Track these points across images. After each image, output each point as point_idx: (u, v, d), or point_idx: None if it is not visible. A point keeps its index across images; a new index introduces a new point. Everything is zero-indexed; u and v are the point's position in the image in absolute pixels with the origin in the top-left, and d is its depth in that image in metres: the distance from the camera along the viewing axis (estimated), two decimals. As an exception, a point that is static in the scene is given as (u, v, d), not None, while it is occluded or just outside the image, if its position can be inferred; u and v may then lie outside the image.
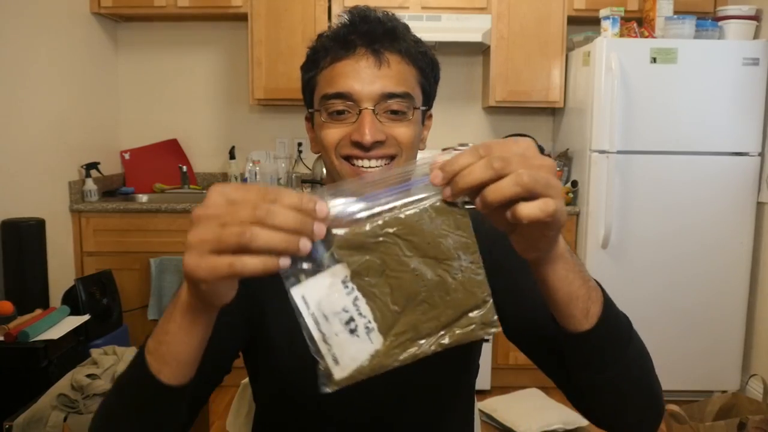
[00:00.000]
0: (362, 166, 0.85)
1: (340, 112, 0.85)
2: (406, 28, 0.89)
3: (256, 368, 0.94)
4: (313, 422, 0.91)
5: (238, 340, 0.86)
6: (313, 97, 0.90)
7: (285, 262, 0.51)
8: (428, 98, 0.92)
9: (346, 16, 0.88)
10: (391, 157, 0.86)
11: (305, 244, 0.51)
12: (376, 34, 0.85)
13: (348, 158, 0.85)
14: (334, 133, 0.85)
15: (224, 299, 0.56)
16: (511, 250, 0.83)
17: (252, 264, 0.50)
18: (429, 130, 0.96)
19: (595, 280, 0.68)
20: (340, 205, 0.54)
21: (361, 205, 0.55)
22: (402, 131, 0.85)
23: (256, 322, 0.86)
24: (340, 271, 0.54)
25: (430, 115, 0.95)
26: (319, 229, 0.51)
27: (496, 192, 0.52)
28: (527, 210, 0.53)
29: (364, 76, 0.84)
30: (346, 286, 0.55)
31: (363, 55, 0.85)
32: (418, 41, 0.90)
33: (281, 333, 0.87)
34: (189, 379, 0.62)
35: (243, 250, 0.49)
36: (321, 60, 0.88)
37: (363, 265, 0.54)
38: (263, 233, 0.49)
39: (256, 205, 0.50)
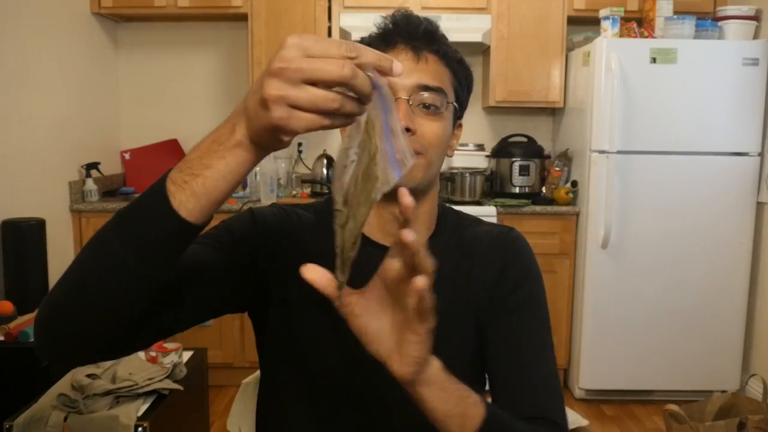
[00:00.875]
0: None
1: None
2: (444, 36, 0.92)
3: (267, 328, 0.95)
4: (325, 409, 0.91)
5: (250, 273, 0.88)
6: None
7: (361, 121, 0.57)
8: (461, 105, 0.94)
9: (389, 18, 0.91)
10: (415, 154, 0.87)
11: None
12: (416, 33, 0.89)
13: None
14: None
15: (284, 146, 0.59)
16: (530, 299, 0.92)
17: (336, 123, 0.55)
18: (458, 139, 0.98)
19: (484, 400, 0.72)
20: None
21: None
22: (432, 128, 0.87)
23: (269, 265, 0.89)
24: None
25: (460, 125, 0.97)
26: (399, 68, 0.57)
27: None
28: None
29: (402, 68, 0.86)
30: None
31: (402, 50, 0.88)
32: (456, 50, 0.93)
33: (298, 284, 0.89)
34: (205, 222, 0.62)
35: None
36: None
37: (367, 127, 0.58)
38: (355, 109, 0.55)
39: (343, 65, 0.52)
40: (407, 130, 0.84)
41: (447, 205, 1.02)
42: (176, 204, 0.60)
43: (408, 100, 0.85)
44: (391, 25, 0.90)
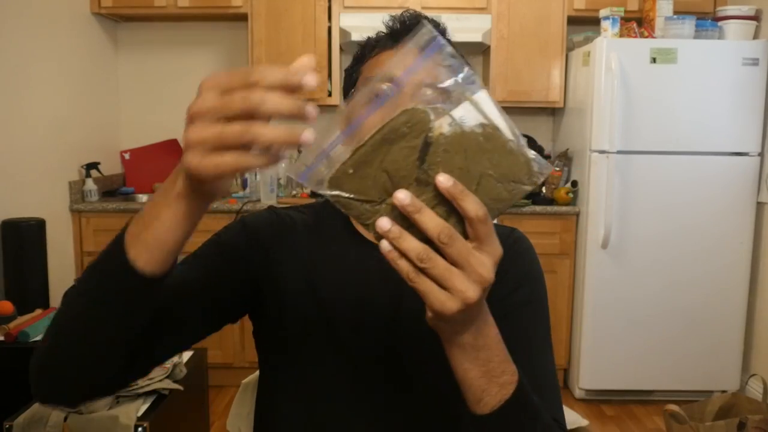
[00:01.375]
0: None
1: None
2: (449, 39, 0.93)
3: (265, 325, 0.95)
4: (320, 411, 0.91)
5: (242, 283, 0.88)
6: (355, 88, 0.92)
7: (284, 159, 0.52)
8: None
9: (397, 17, 0.92)
10: None
11: (307, 137, 0.51)
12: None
13: None
14: (373, 119, 0.86)
15: (224, 192, 0.58)
16: (532, 297, 0.90)
17: (256, 162, 0.50)
18: None
19: (520, 382, 0.67)
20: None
21: None
22: None
23: (262, 272, 0.89)
24: None
25: None
26: (310, 112, 0.51)
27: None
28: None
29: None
30: None
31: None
32: (461, 54, 0.93)
33: (292, 287, 0.89)
34: (165, 272, 0.61)
35: (246, 148, 0.50)
36: (367, 54, 0.92)
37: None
38: (265, 132, 0.49)
39: (246, 97, 0.49)
40: None
41: None
42: (132, 256, 0.59)
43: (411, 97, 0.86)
44: (398, 24, 0.91)
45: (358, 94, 0.61)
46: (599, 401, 3.08)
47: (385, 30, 0.93)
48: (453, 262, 0.54)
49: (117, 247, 0.61)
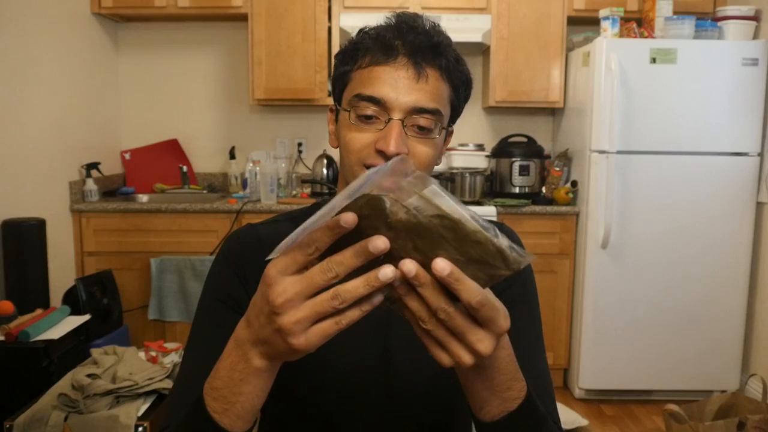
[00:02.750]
0: None
1: (368, 117, 0.84)
2: (449, 44, 0.88)
3: None
4: (319, 423, 0.91)
5: None
6: (344, 92, 0.89)
7: (379, 299, 0.55)
8: (455, 115, 0.92)
9: (393, 20, 0.87)
10: None
11: (385, 274, 0.53)
12: (421, 46, 0.84)
13: (369, 167, 0.83)
14: (359, 139, 0.84)
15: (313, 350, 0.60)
16: (522, 296, 0.90)
17: (353, 315, 0.54)
18: (448, 144, 0.96)
19: (528, 399, 0.68)
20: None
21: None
22: (424, 150, 0.85)
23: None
24: None
25: (452, 132, 0.95)
26: (377, 246, 0.52)
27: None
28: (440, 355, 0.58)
29: (401, 86, 0.83)
30: None
31: (403, 65, 0.84)
32: (458, 59, 0.89)
33: None
34: (254, 421, 0.67)
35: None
36: (360, 58, 0.87)
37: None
38: (351, 290, 0.53)
39: (324, 269, 0.53)
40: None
41: None
42: (229, 427, 0.65)
43: (402, 122, 0.83)
44: (394, 31, 0.86)
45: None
46: (599, 401, 3.08)
47: (385, 25, 0.87)
48: (452, 333, 0.56)
49: (211, 425, 0.65)
